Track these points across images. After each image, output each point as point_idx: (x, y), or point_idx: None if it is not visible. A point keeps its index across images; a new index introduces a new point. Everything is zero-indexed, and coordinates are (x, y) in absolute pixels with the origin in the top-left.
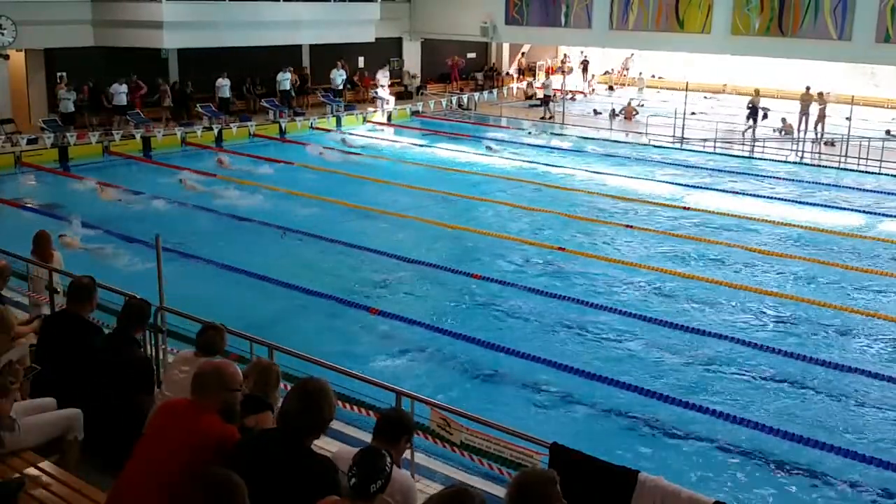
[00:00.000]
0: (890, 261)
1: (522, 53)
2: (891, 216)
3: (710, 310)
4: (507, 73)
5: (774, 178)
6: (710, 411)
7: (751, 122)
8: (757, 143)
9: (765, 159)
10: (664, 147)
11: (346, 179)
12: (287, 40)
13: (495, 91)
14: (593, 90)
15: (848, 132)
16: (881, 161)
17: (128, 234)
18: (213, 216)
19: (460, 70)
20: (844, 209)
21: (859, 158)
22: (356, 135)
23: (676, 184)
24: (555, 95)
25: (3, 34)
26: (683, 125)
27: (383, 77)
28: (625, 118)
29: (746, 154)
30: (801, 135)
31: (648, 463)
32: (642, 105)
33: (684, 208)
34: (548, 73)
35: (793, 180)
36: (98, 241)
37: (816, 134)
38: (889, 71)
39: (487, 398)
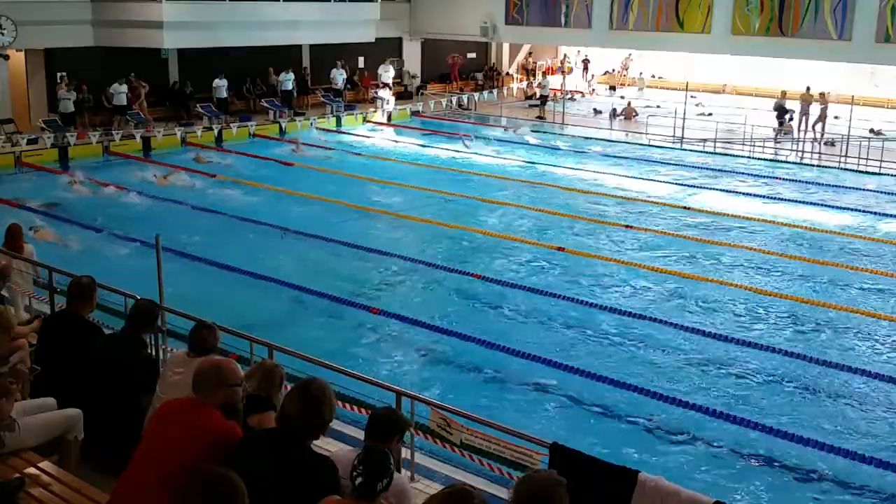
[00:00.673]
0: (890, 261)
1: (530, 53)
2: (891, 216)
3: (711, 310)
4: (507, 73)
5: (774, 178)
6: (710, 411)
7: (781, 123)
8: (757, 144)
9: (765, 159)
10: (664, 147)
11: (347, 179)
12: (287, 40)
13: (495, 91)
14: (594, 90)
15: (848, 132)
16: (881, 161)
17: (126, 232)
18: (212, 216)
19: (460, 69)
20: (844, 209)
21: (859, 158)
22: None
23: (676, 184)
24: (554, 95)
25: (3, 34)
26: (683, 125)
27: (386, 73)
28: (625, 118)
29: (746, 154)
30: (801, 135)
31: (648, 463)
32: (659, 107)
33: (684, 208)
34: (545, 73)
35: (793, 180)
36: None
37: (816, 134)
38: (889, 71)
39: (487, 398)
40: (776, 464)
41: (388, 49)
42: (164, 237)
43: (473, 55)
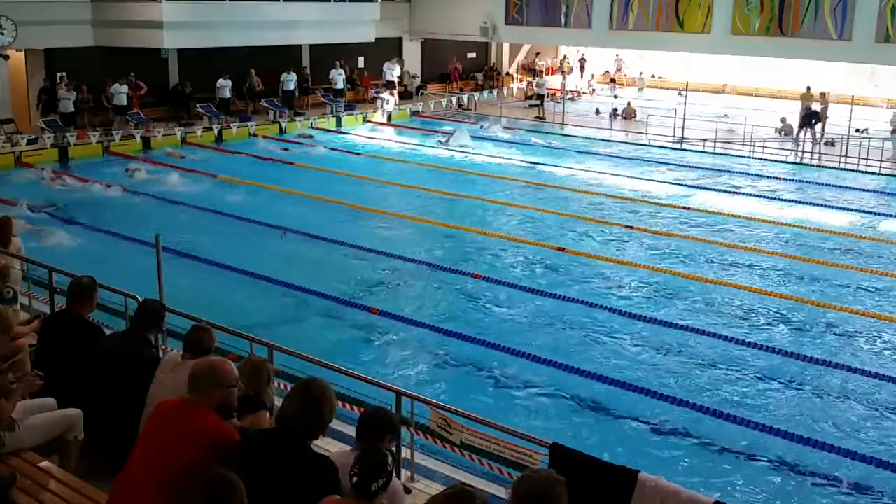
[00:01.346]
0: (890, 261)
1: (537, 54)
2: (891, 216)
3: (711, 310)
4: (507, 73)
5: (774, 178)
6: (710, 411)
7: (806, 127)
8: (757, 144)
9: (765, 159)
10: (664, 147)
11: (347, 179)
12: (287, 40)
13: (495, 91)
14: (594, 90)
15: (848, 132)
16: (881, 161)
17: (127, 232)
18: (212, 216)
19: (459, 73)
20: (844, 209)
21: (859, 158)
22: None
23: (676, 184)
24: (554, 95)
25: (3, 34)
26: (683, 125)
27: (391, 72)
28: (625, 118)
29: (746, 154)
30: (802, 135)
31: (648, 463)
32: (675, 107)
33: (685, 208)
34: (542, 73)
35: (793, 180)
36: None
37: (816, 134)
38: (889, 71)
39: (487, 398)
40: (776, 464)
41: (389, 49)
42: (164, 237)
43: (473, 55)
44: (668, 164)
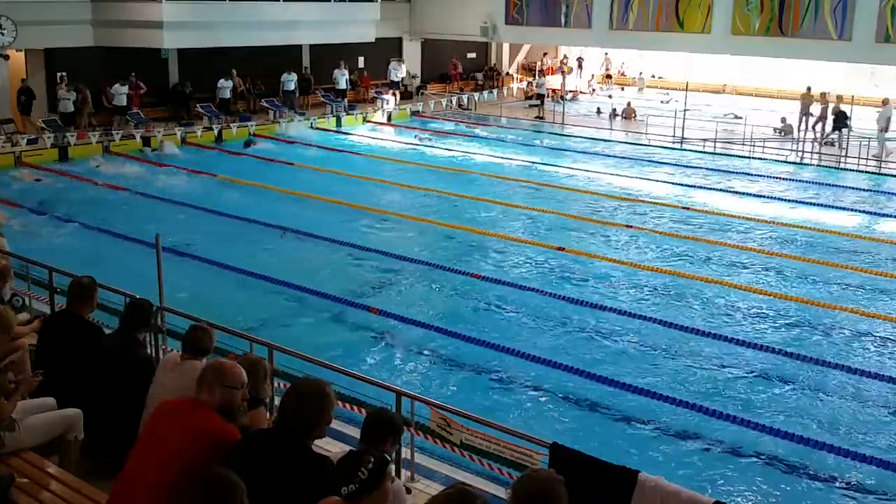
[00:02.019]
0: (890, 261)
1: (545, 53)
2: (891, 216)
3: (711, 310)
4: (507, 73)
5: (774, 178)
6: (710, 411)
7: (836, 130)
8: (757, 144)
9: (765, 159)
10: (664, 147)
11: (347, 179)
12: (287, 40)
13: (495, 91)
14: (594, 90)
15: (847, 132)
16: (881, 161)
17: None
18: (212, 216)
19: (459, 74)
20: (844, 209)
21: (859, 158)
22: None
23: (676, 184)
24: (554, 95)
25: (3, 34)
26: (683, 125)
27: (395, 72)
28: (625, 118)
29: (746, 154)
30: (802, 135)
31: (648, 463)
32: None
33: (684, 208)
34: (540, 73)
35: (793, 180)
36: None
37: (816, 134)
38: (889, 71)
39: (487, 398)
40: (776, 464)
41: (389, 49)
42: (164, 237)
43: (473, 55)
44: (668, 164)
